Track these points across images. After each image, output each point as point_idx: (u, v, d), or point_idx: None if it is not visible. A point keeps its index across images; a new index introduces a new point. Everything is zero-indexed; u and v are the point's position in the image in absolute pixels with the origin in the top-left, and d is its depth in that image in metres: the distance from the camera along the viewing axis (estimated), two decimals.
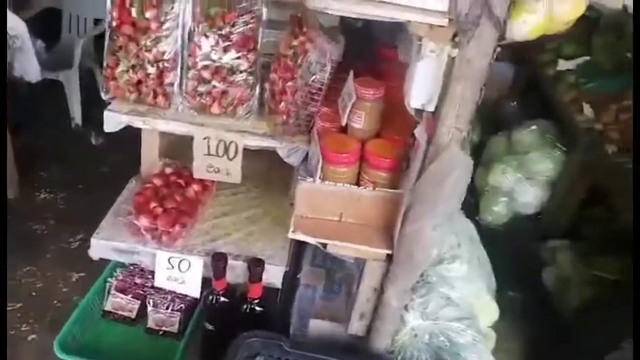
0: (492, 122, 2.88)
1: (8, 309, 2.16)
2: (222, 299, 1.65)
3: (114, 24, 1.50)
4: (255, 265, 1.58)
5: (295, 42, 1.51)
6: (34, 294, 2.26)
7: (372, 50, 1.85)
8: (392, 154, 1.36)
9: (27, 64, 2.38)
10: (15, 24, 2.25)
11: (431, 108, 1.15)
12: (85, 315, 1.78)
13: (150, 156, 1.81)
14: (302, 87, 1.51)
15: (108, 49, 1.53)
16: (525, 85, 3.03)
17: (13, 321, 2.12)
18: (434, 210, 1.20)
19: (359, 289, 1.46)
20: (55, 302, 2.23)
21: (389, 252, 1.35)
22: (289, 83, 1.51)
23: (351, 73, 1.43)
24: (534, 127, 2.66)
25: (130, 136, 1.73)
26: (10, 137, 2.55)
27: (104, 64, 1.55)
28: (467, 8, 1.03)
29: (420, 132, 1.22)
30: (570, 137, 2.49)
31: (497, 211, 2.67)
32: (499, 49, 1.07)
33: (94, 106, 1.57)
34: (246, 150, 1.60)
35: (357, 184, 1.41)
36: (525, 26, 1.05)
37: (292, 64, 1.51)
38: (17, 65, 2.37)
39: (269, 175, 1.97)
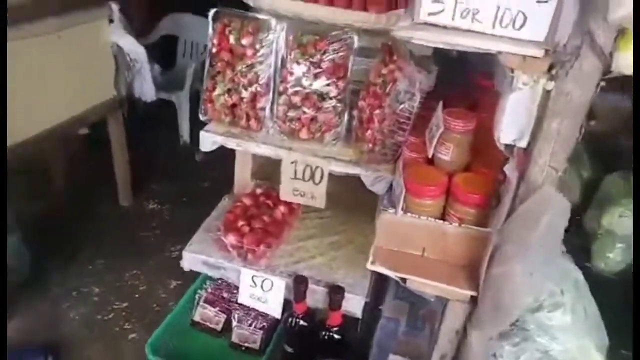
0: (607, 159, 2.60)
1: (115, 307, 2.36)
2: (302, 322, 1.66)
3: (214, 50, 1.59)
4: (335, 293, 1.57)
5: (384, 71, 1.49)
6: (137, 296, 2.44)
7: (468, 79, 1.77)
8: (481, 189, 1.28)
9: (144, 85, 2.62)
10: (136, 49, 2.50)
11: (523, 144, 1.07)
12: (175, 322, 1.88)
13: (242, 176, 1.89)
14: (389, 116, 1.49)
15: (208, 74, 1.62)
16: None
17: (117, 319, 2.31)
18: (525, 254, 1.11)
19: (440, 328, 1.38)
20: (155, 305, 2.39)
21: (474, 293, 1.27)
22: (377, 111, 1.49)
23: (440, 103, 1.38)
24: None
25: (232, 154, 1.83)
26: (127, 151, 2.82)
27: (203, 88, 1.64)
28: (566, 38, 0.95)
29: (510, 169, 1.13)
30: None
31: (612, 258, 2.40)
32: (603, 83, 0.97)
33: (200, 125, 1.69)
34: (336, 175, 1.61)
35: (443, 218, 1.35)
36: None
37: (380, 92, 1.49)
38: (136, 86, 2.63)
39: (357, 201, 1.95)
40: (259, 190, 1.87)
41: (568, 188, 1.83)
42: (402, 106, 1.48)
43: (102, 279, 2.48)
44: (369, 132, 1.52)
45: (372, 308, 1.79)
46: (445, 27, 1.05)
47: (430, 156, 1.38)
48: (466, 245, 1.30)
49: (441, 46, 1.04)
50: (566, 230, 1.10)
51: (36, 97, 2.12)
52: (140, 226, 2.83)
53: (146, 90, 2.67)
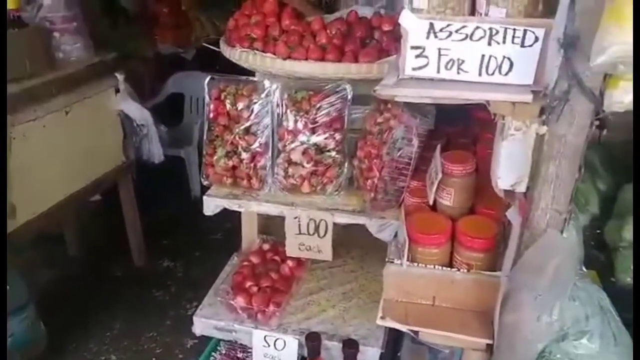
0: (624, 168, 2.53)
1: None
2: None
3: (211, 115, 1.62)
4: (349, 347, 1.52)
5: (380, 119, 1.50)
6: (154, 359, 2.41)
7: (468, 114, 1.76)
8: (486, 233, 1.26)
9: (152, 147, 2.67)
10: (142, 114, 2.55)
11: (522, 189, 1.05)
12: None
13: (249, 234, 1.88)
14: (389, 163, 1.48)
15: (207, 138, 1.64)
16: None
17: None
18: (534, 300, 1.07)
19: None
20: None
21: (489, 341, 1.23)
22: (375, 160, 1.49)
23: (438, 148, 1.37)
24: None
25: None
26: (139, 212, 2.84)
27: (204, 153, 1.66)
28: (553, 82, 0.94)
29: (512, 214, 1.11)
30: None
31: None
32: (597, 122, 0.95)
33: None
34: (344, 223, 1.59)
35: (450, 265, 1.32)
36: (627, 95, 0.92)
37: (377, 142, 1.49)
38: (144, 149, 2.67)
39: (367, 247, 1.93)
40: (266, 246, 1.86)
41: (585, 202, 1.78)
42: (400, 152, 1.48)
43: (119, 344, 2.45)
44: (370, 181, 1.52)
45: (392, 355, 1.74)
46: (431, 80, 1.05)
47: (431, 203, 1.36)
48: (477, 291, 1.26)
49: (428, 101, 1.03)
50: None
51: (50, 172, 2.17)
52: (155, 285, 2.81)
53: (154, 151, 2.71)
